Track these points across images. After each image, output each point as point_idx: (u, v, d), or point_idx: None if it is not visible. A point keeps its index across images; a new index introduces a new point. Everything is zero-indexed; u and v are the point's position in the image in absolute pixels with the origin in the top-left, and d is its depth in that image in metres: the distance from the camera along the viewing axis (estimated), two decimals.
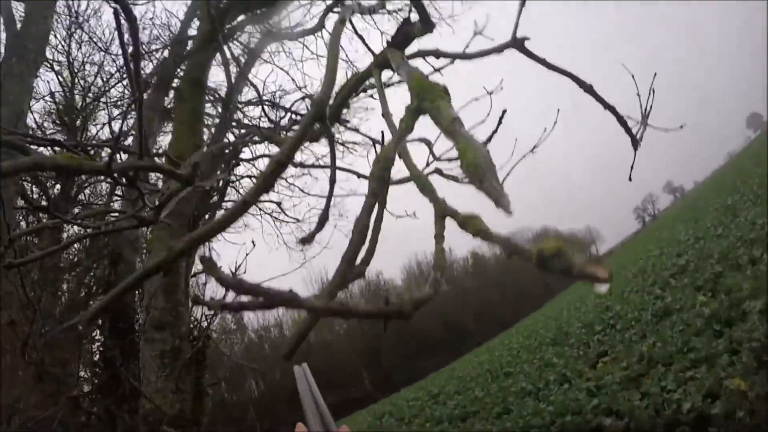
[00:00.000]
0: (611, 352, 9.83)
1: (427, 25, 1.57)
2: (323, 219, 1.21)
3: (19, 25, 7.07)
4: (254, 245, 3.50)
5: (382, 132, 1.83)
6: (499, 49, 1.62)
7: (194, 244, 1.00)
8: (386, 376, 39.75)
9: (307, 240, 1.19)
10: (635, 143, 1.85)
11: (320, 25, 7.58)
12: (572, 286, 42.11)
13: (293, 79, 9.47)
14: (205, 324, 5.14)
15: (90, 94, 11.48)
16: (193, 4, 8.76)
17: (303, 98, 8.08)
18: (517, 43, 1.56)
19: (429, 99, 0.93)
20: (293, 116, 8.40)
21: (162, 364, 4.09)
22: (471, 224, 0.83)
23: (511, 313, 45.54)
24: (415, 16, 1.70)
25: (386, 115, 1.21)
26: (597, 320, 13.67)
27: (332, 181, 1.43)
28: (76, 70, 11.24)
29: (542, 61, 1.66)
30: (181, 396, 4.00)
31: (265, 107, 8.08)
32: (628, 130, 1.81)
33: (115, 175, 1.24)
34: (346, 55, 9.08)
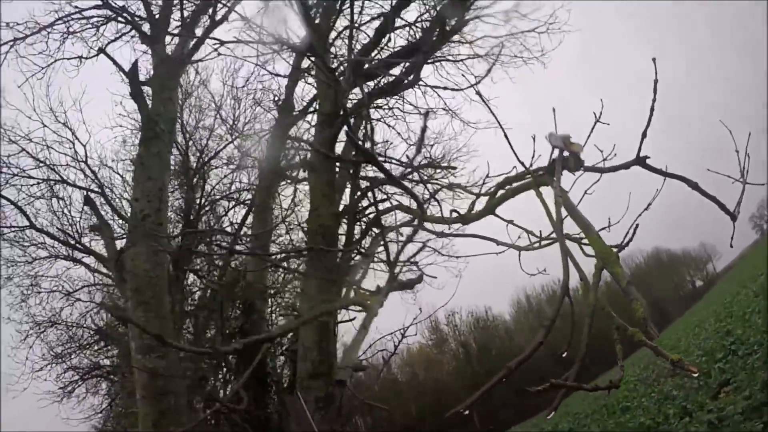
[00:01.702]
0: (733, 380, 9.32)
1: (578, 162, 2.18)
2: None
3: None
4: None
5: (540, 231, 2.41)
6: (626, 166, 2.18)
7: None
8: (495, 414, 38.67)
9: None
10: (733, 218, 2.18)
11: (417, 79, 7.93)
12: (689, 311, 38.89)
13: (398, 133, 10.15)
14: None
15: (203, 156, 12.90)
16: (294, 72, 9.95)
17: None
18: (641, 161, 2.10)
19: (610, 264, 1.66)
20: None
21: (317, 408, 4.76)
22: (636, 335, 1.54)
23: (625, 344, 42.61)
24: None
25: (558, 230, 1.83)
26: (718, 347, 12.86)
27: None
28: (189, 134, 12.67)
29: (664, 173, 2.13)
30: None
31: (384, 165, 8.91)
32: (727, 212, 2.16)
33: None
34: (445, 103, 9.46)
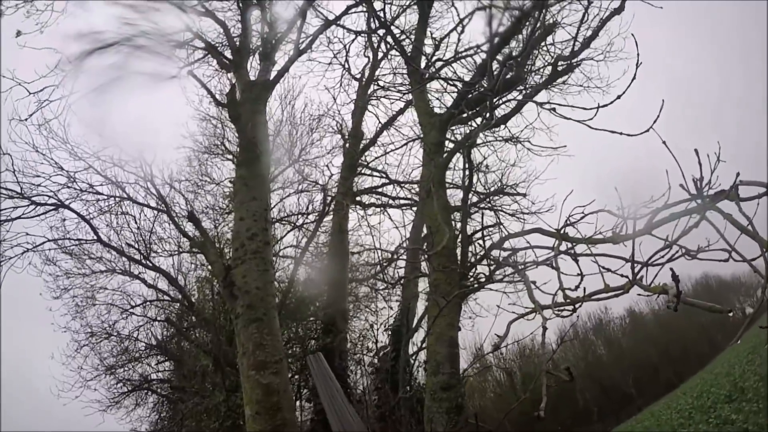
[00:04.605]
0: None
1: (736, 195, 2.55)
2: None
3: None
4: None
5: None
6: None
7: None
8: None
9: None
10: None
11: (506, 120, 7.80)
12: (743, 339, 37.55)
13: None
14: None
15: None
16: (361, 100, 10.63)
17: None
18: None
19: None
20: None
21: (449, 418, 5.16)
22: None
23: (673, 374, 41.37)
24: None
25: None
26: None
27: None
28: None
29: None
30: None
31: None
32: None
33: None
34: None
